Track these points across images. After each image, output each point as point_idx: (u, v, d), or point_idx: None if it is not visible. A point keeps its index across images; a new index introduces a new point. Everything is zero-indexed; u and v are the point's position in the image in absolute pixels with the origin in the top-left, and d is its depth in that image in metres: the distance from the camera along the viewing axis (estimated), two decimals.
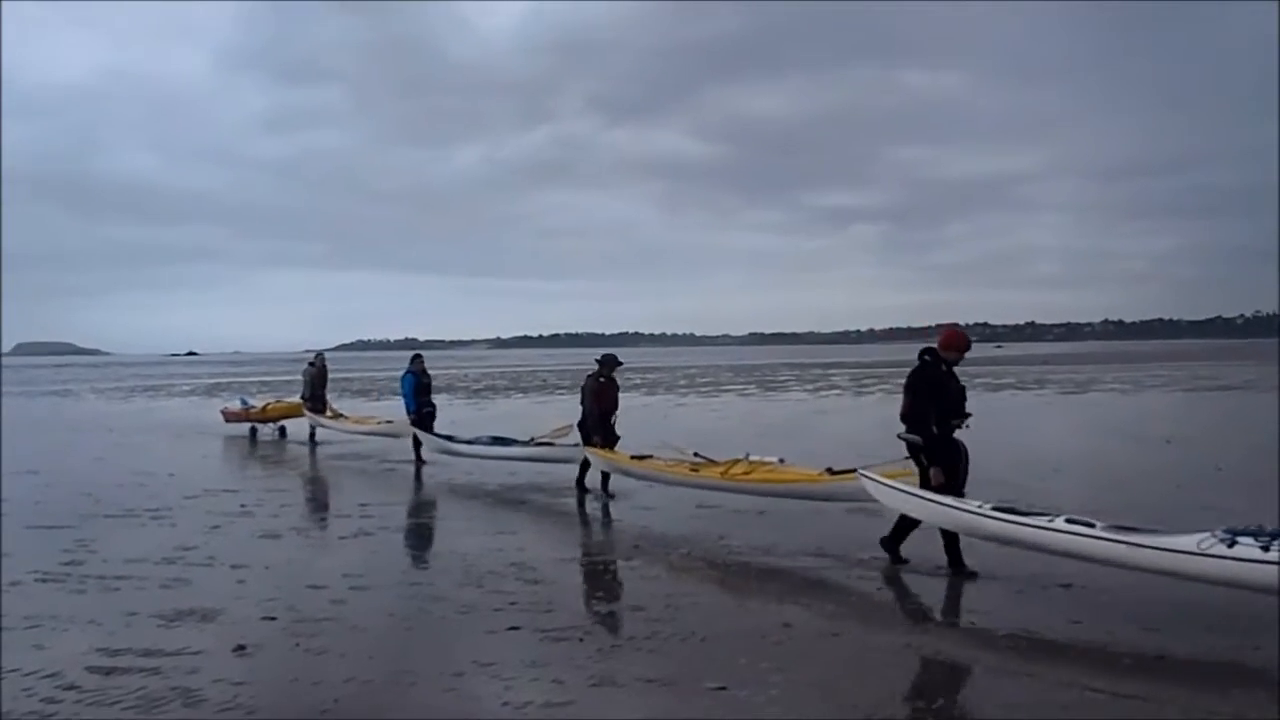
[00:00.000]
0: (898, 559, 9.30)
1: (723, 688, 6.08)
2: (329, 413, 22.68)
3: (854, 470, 9.76)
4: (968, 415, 9.36)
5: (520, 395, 43.17)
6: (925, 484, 8.86)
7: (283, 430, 24.26)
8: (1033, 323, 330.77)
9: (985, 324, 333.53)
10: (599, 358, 14.36)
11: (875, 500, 9.34)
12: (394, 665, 6.67)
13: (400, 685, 6.30)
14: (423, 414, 18.19)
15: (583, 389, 14.27)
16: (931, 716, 5.63)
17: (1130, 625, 7.27)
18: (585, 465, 14.02)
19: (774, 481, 10.84)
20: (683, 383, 52.79)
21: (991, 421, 25.85)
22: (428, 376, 18.75)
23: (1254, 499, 9.25)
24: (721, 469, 11.26)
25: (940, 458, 8.90)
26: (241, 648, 7.06)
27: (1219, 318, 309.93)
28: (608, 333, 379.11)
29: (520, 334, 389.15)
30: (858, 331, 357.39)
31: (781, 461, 11.00)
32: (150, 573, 9.50)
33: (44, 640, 7.32)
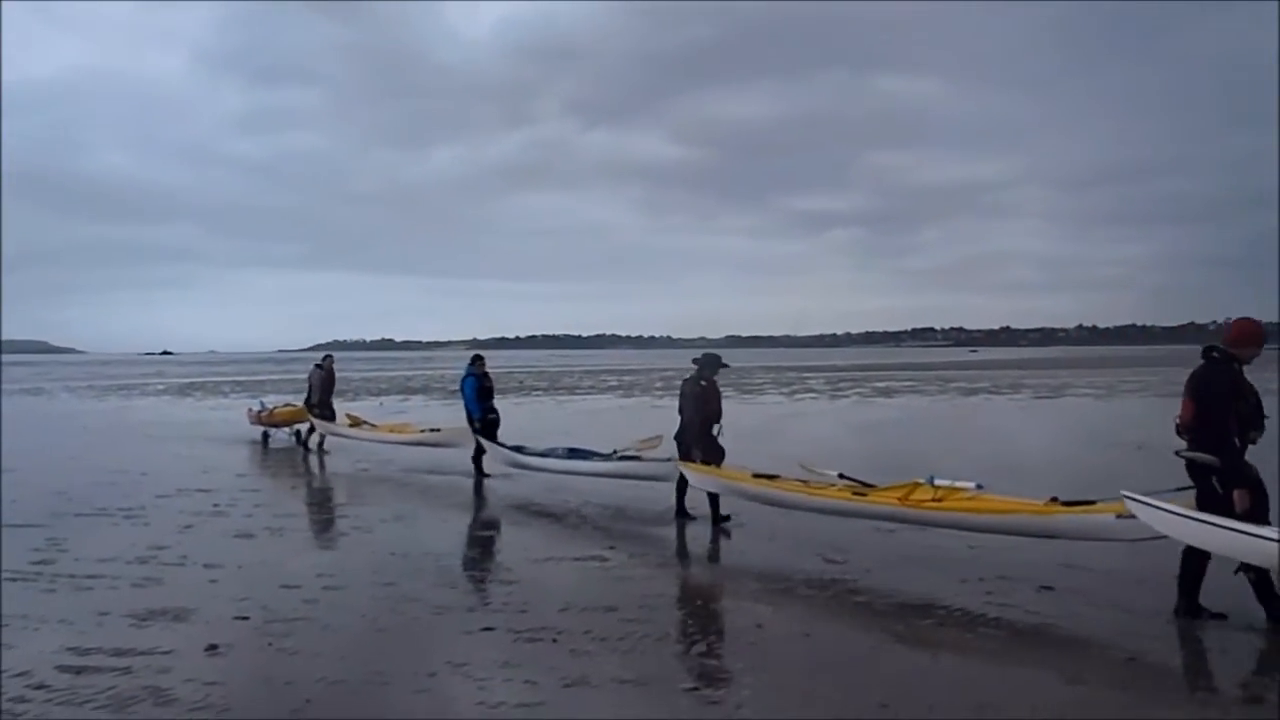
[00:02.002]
0: (1204, 613, 7.45)
1: (696, 688, 6.11)
2: (347, 420, 20.79)
3: (1091, 501, 8.20)
4: (1263, 427, 7.76)
5: (498, 397, 42.99)
6: (1211, 508, 7.24)
7: (298, 435, 22.28)
8: (1008, 327, 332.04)
9: (960, 328, 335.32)
10: (697, 357, 12.48)
11: (1135, 536, 7.75)
12: (367, 666, 6.66)
13: (373, 686, 6.29)
14: (486, 420, 16.36)
15: (681, 394, 12.27)
16: (902, 716, 5.66)
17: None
18: (684, 484, 12.04)
19: (982, 512, 8.84)
20: (659, 385, 52.79)
21: (965, 425, 26.02)
22: (490, 379, 16.97)
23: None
24: (898, 495, 9.34)
25: (1242, 478, 7.28)
26: (214, 647, 7.04)
27: (1191, 324, 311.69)
28: (585, 334, 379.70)
29: (497, 335, 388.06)
30: (834, 335, 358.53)
31: (979, 488, 9.13)
32: (122, 572, 9.45)
33: (14, 640, 7.28)
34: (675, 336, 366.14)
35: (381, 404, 38.16)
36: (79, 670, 6.57)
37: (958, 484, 9.25)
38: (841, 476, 10.42)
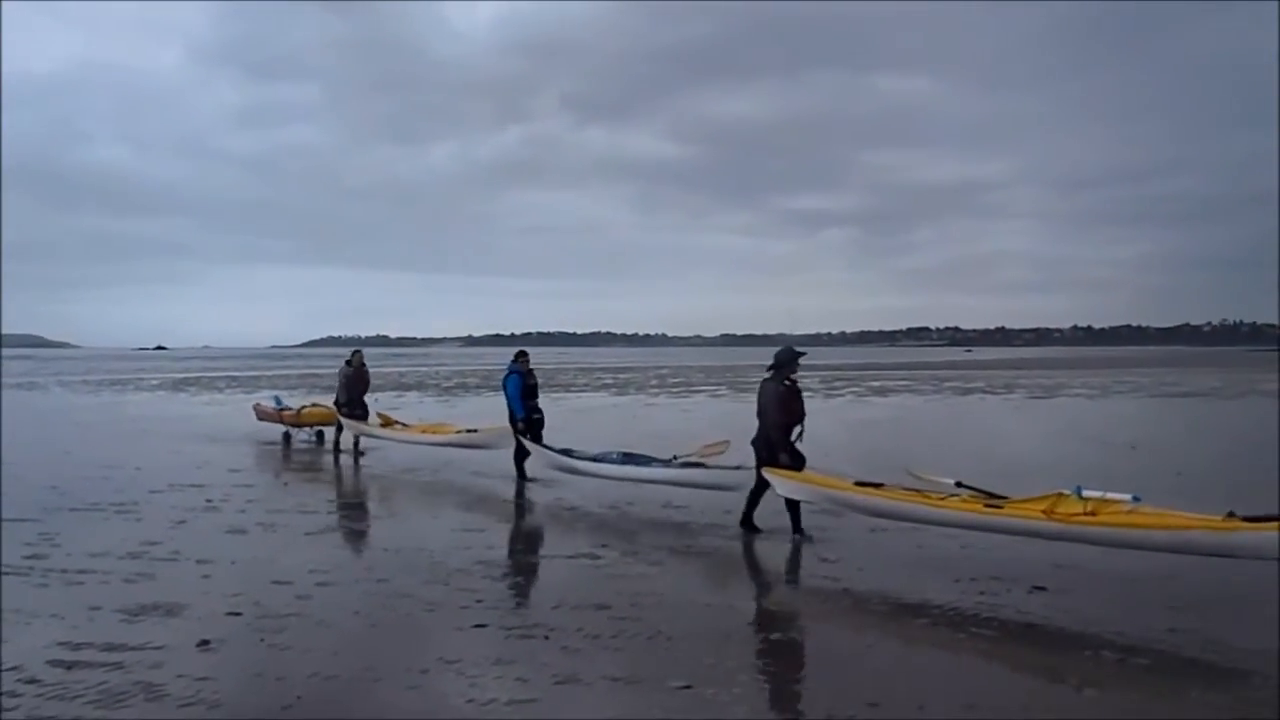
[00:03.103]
0: None
1: (688, 686, 6.10)
2: (379, 420, 19.44)
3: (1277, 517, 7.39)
4: None
5: (491, 393, 43.05)
6: None
7: (320, 435, 21.63)
8: (1002, 328, 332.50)
9: (955, 328, 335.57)
10: (779, 352, 11.60)
11: None
12: (359, 662, 6.65)
13: (364, 682, 6.29)
14: (531, 420, 15.67)
15: (762, 394, 11.29)
16: (892, 715, 5.66)
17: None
18: (756, 495, 11.21)
19: (1147, 528, 7.94)
20: (654, 383, 52.82)
21: (959, 424, 26.05)
22: (534, 377, 16.11)
23: (1209, 503, 9.32)
24: (1041, 507, 8.45)
25: None
26: (205, 643, 7.03)
27: (1186, 325, 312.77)
28: (580, 332, 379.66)
29: (492, 332, 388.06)
30: (829, 334, 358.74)
31: (1137, 500, 8.25)
32: (114, 567, 9.44)
33: (5, 634, 7.26)
34: (670, 334, 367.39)
35: (376, 400, 38.11)
36: (70, 665, 6.56)
37: (1110, 495, 8.36)
38: (960, 485, 9.59)
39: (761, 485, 10.98)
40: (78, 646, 6.95)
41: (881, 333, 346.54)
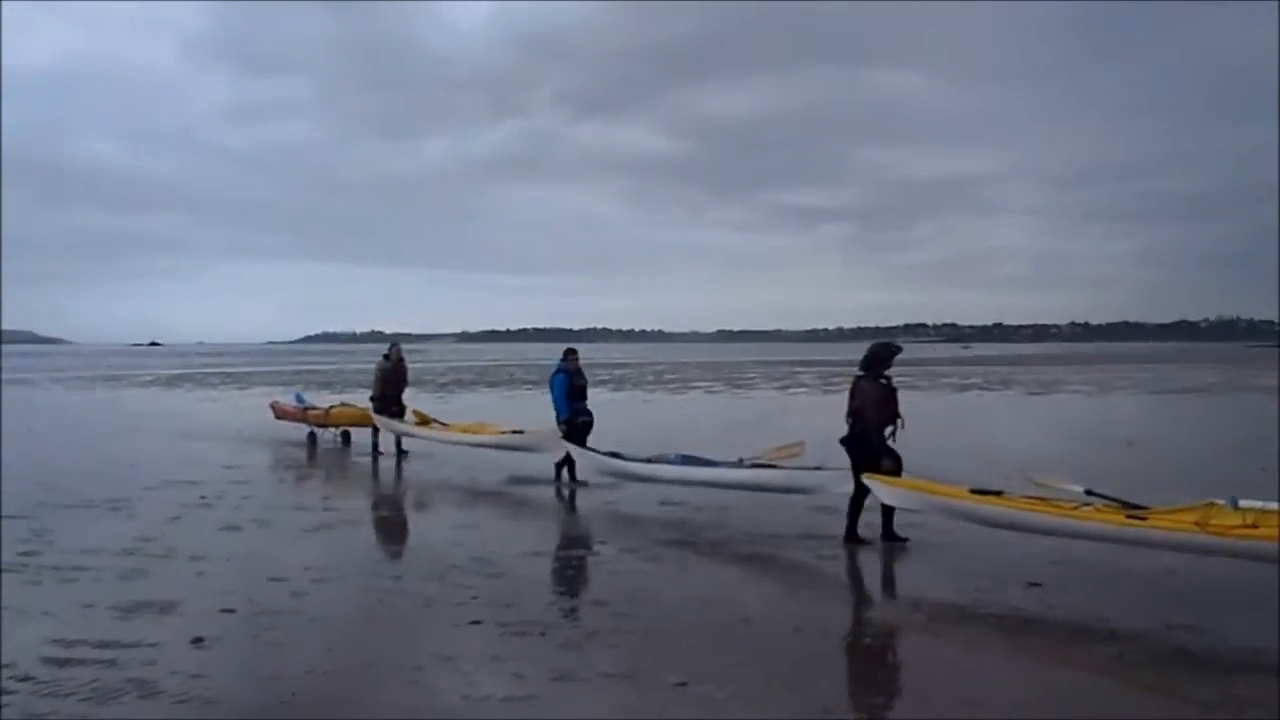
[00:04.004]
0: None
1: (684, 683, 6.07)
2: (414, 418, 18.18)
3: None
4: None
5: (487, 389, 43.09)
6: None
7: (346, 437, 20.33)
8: (1000, 324, 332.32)
9: (953, 324, 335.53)
10: (873, 347, 10.96)
11: None
12: (353, 658, 6.63)
13: (359, 678, 6.26)
14: (577, 423, 14.60)
15: (857, 393, 10.51)
16: (890, 712, 5.64)
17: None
18: (857, 505, 10.29)
19: None
20: (650, 379, 52.82)
21: (955, 421, 26.05)
22: (583, 377, 15.16)
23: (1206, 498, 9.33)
24: (1193, 518, 7.65)
25: None
26: (199, 640, 7.00)
27: (1183, 321, 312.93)
28: (575, 328, 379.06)
29: (487, 328, 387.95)
30: (826, 330, 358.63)
31: None
32: (108, 564, 9.40)
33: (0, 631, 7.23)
34: (666, 330, 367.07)
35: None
36: (63, 662, 6.52)
37: (1271, 506, 7.62)
38: (1091, 494, 8.82)
39: (862, 492, 10.10)
40: (71, 644, 6.90)
41: (878, 329, 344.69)
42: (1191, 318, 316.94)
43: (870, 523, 10.16)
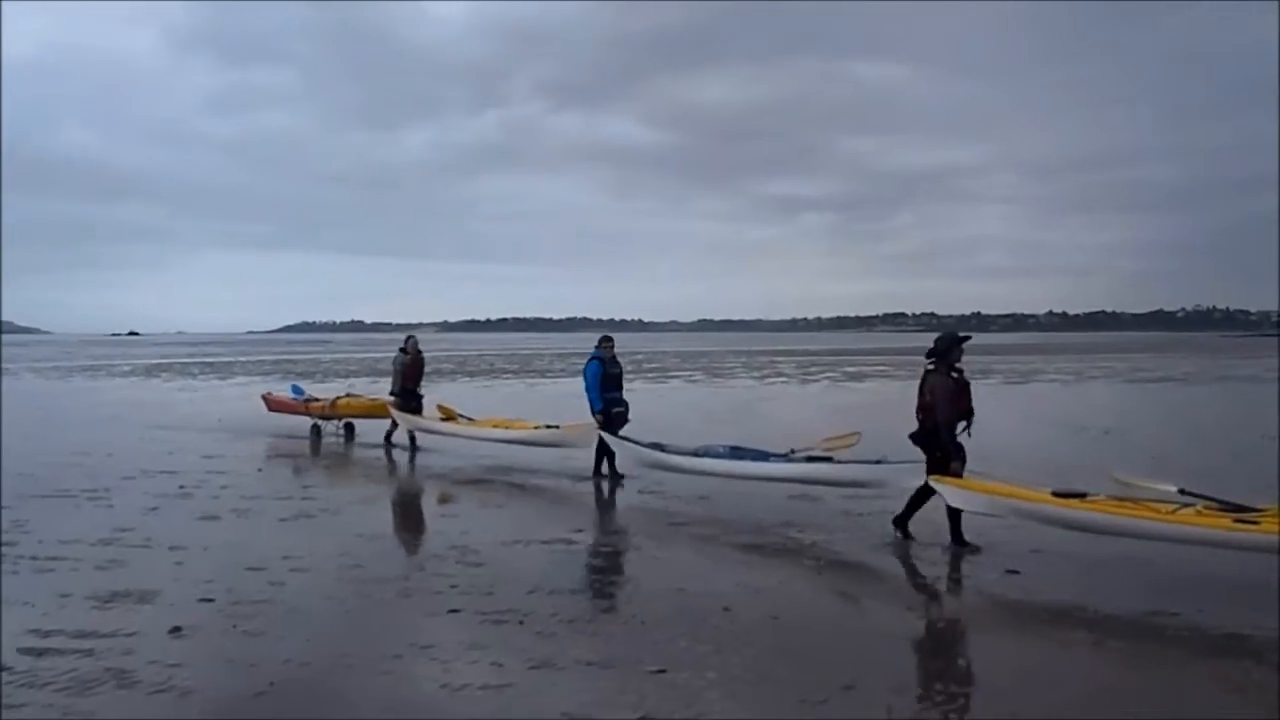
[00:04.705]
0: None
1: (662, 670, 6.10)
2: (439, 413, 16.95)
3: None
4: None
5: (466, 379, 43.04)
6: None
7: (350, 429, 19.55)
8: (979, 313, 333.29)
9: (932, 314, 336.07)
10: (939, 339, 10.38)
11: None
12: (332, 648, 6.63)
13: (337, 667, 6.27)
14: (612, 414, 13.77)
15: (926, 388, 9.98)
16: (865, 700, 5.67)
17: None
18: (920, 499, 9.82)
19: None
20: (629, 368, 52.74)
21: None
22: (618, 365, 14.25)
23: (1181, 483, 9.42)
24: None
25: None
26: (177, 629, 6.99)
27: (1161, 311, 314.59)
28: (556, 317, 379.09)
29: (468, 318, 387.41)
30: (806, 319, 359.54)
31: None
32: (85, 554, 9.37)
33: None
34: (647, 320, 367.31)
35: (351, 385, 38.00)
36: (40, 653, 6.50)
37: None
38: (1184, 493, 8.23)
39: (928, 489, 9.64)
40: (48, 634, 6.89)
41: (858, 318, 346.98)
42: (1168, 308, 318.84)
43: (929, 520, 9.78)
